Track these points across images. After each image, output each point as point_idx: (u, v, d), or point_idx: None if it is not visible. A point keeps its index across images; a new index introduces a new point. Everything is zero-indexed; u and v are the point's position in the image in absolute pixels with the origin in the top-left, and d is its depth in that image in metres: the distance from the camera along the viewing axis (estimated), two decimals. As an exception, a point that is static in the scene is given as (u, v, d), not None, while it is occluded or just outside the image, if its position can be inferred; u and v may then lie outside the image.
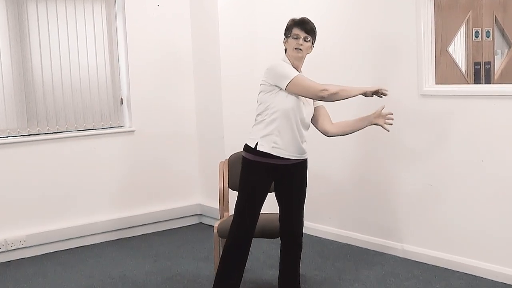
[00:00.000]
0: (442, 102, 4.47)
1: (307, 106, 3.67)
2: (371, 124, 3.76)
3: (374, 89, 3.58)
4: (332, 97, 3.52)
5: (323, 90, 3.49)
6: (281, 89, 3.56)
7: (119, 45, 5.66)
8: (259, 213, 3.69)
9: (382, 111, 3.74)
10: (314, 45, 3.74)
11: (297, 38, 3.62)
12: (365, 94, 3.62)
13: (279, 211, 3.82)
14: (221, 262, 3.72)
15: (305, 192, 3.81)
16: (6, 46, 5.09)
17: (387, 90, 3.59)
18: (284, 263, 3.86)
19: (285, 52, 3.71)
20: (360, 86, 3.74)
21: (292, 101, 3.57)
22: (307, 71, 5.26)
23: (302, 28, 3.63)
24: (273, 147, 3.58)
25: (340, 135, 3.80)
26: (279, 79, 3.56)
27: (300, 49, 3.62)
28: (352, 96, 3.61)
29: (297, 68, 3.67)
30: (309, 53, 3.72)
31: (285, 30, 3.71)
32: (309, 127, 3.73)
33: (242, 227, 3.66)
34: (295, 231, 3.78)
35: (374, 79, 4.86)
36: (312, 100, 3.69)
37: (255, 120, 3.69)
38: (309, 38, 3.65)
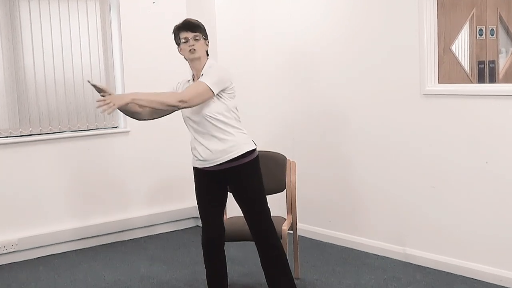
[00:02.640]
0: (445, 102, 4.41)
1: (200, 109, 3.64)
2: None
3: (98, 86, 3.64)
4: None
5: None
6: None
7: (113, 44, 5.59)
8: (217, 219, 3.73)
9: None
10: (208, 39, 3.69)
11: (186, 41, 3.59)
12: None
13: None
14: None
15: (257, 192, 3.69)
16: (-3, 44, 5.03)
17: (106, 92, 3.67)
18: (263, 267, 3.78)
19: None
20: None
21: (183, 111, 3.72)
22: (308, 70, 5.24)
23: (186, 29, 3.60)
24: (194, 157, 3.80)
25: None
26: None
27: (194, 49, 3.59)
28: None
29: (198, 71, 3.64)
30: (207, 49, 3.68)
31: (174, 40, 3.67)
32: (214, 124, 3.66)
33: (203, 233, 3.74)
34: (261, 232, 3.71)
35: (376, 78, 4.82)
36: (205, 102, 3.62)
37: None
38: (198, 36, 3.60)
